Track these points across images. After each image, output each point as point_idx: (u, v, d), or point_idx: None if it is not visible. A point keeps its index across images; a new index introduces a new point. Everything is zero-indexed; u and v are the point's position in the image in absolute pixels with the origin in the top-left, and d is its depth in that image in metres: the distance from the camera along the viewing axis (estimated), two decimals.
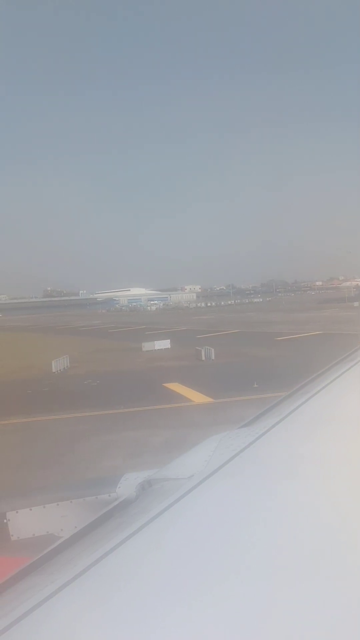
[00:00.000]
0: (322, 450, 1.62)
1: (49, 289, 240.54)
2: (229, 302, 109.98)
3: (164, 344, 25.81)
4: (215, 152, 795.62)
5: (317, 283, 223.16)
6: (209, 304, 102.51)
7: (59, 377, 18.75)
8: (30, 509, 1.86)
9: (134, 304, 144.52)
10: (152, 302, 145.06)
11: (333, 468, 1.45)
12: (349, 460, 1.50)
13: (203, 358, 20.28)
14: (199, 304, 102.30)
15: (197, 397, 13.08)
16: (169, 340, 26.31)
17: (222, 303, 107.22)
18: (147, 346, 25.44)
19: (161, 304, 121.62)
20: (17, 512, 1.86)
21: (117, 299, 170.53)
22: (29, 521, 1.86)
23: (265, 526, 1.13)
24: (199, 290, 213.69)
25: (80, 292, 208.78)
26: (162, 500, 1.31)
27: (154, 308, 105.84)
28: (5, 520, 1.85)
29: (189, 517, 1.23)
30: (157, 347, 25.40)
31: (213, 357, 20.25)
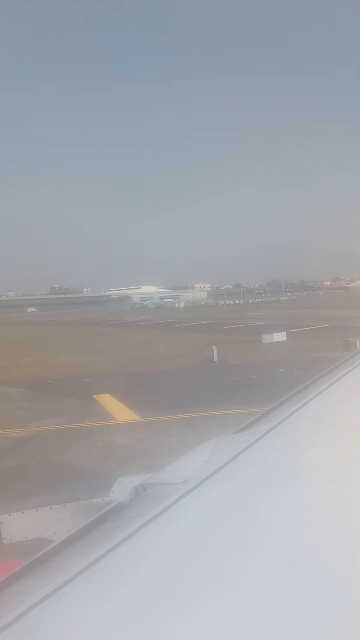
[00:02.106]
0: (318, 455, 1.62)
1: (56, 286, 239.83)
2: (257, 300, 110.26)
3: (280, 337, 25.96)
4: (217, 153, 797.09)
5: (326, 283, 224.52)
6: (237, 302, 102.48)
7: (232, 366, 18.55)
8: (23, 512, 1.84)
9: (148, 301, 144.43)
10: (166, 299, 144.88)
11: (329, 473, 1.45)
12: (345, 466, 1.50)
13: None
14: (227, 302, 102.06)
15: None
16: (285, 333, 26.38)
17: (250, 301, 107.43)
18: (266, 338, 25.60)
19: (182, 302, 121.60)
20: (9, 515, 1.83)
21: (129, 296, 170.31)
22: (21, 524, 1.84)
23: (260, 531, 1.13)
24: (209, 289, 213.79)
25: (84, 290, 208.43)
26: (156, 505, 1.30)
27: (182, 305, 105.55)
28: None
29: (183, 521, 1.23)
30: (275, 340, 25.60)
31: None
